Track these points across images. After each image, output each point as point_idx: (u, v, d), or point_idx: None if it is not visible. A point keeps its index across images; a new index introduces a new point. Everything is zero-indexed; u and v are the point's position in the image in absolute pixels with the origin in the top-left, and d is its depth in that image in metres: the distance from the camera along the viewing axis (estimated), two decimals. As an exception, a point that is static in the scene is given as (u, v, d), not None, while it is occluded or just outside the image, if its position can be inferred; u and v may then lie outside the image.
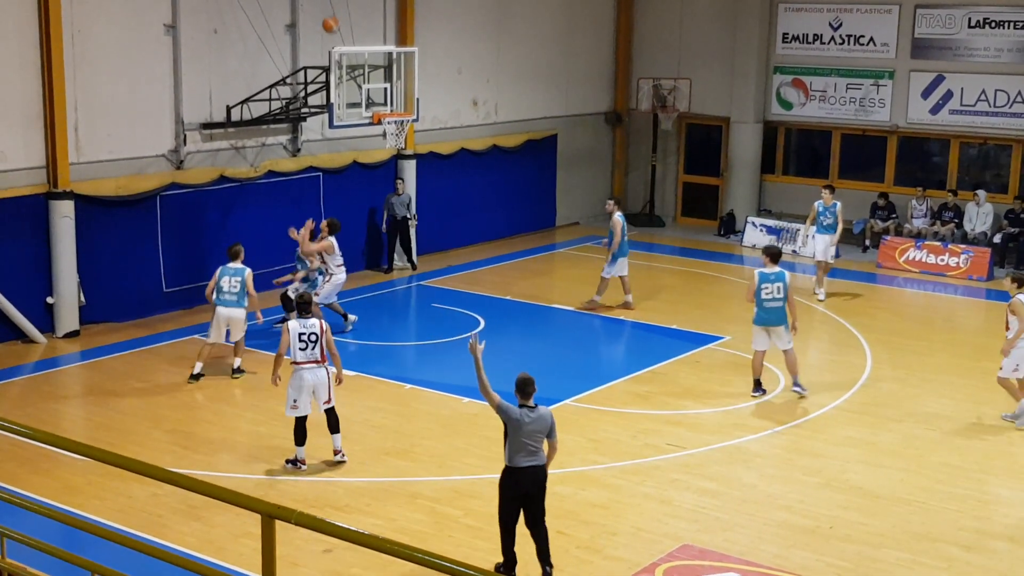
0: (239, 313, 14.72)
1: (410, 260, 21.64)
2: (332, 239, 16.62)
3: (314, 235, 16.67)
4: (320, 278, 16.76)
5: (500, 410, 9.43)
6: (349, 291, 19.92)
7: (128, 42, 17.28)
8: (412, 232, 21.59)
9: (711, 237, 25.64)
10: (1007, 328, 13.81)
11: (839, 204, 19.83)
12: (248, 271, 14.77)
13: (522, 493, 9.45)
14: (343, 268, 16.86)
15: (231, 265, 14.83)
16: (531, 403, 9.38)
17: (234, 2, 18.46)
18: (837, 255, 20.24)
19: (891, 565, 10.20)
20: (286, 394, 12.13)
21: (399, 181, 21.34)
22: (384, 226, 21.30)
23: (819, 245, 19.91)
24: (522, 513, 9.57)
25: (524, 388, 9.35)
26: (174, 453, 12.32)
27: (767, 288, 14.11)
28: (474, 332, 10.38)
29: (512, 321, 18.20)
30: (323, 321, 12.22)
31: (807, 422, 13.86)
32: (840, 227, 19.80)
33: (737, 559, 10.19)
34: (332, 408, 12.17)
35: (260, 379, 15.01)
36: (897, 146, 24.76)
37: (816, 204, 19.87)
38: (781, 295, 14.17)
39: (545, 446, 9.50)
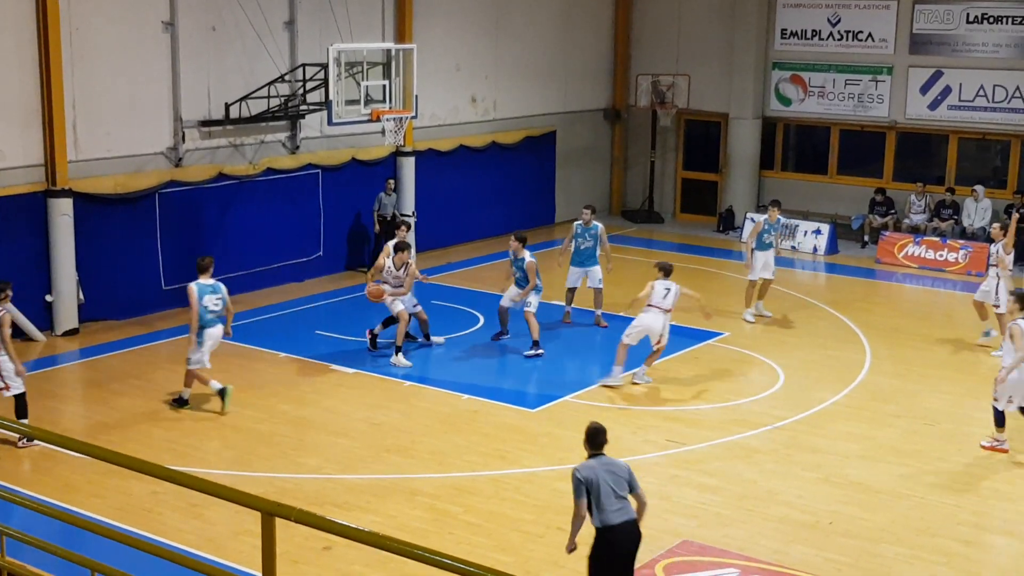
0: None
1: None
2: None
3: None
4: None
5: (580, 490, 8.46)
6: (348, 289, 19.97)
7: (126, 39, 17.26)
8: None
9: (710, 233, 25.65)
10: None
11: (782, 219, 18.72)
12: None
13: (621, 554, 8.51)
14: None
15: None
16: (602, 453, 8.66)
17: (232, -1, 18.48)
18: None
19: (890, 560, 10.21)
20: None
21: (390, 180, 21.11)
22: (376, 227, 20.87)
23: (758, 262, 18.25)
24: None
25: (595, 438, 8.65)
26: (173, 451, 12.31)
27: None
28: None
29: (511, 318, 18.15)
30: (7, 314, 12.26)
31: (806, 418, 13.87)
32: (775, 247, 18.52)
33: (737, 555, 10.19)
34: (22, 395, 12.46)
35: (260, 377, 15.03)
36: (896, 142, 24.77)
37: (761, 220, 18.53)
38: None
39: (631, 502, 8.61)
